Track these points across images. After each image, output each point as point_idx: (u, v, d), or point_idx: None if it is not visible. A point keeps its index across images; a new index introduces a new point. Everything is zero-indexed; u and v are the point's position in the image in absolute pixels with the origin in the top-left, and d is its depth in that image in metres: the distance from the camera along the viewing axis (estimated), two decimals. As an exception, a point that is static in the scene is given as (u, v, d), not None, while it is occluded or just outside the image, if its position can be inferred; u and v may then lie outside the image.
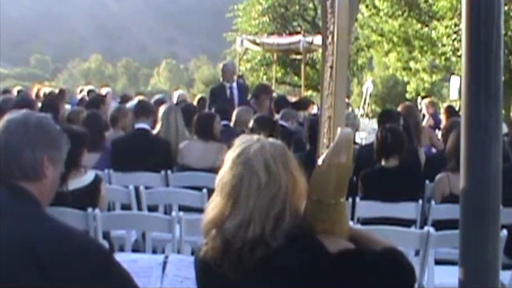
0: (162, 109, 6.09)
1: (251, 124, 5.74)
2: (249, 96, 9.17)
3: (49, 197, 1.92)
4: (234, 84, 8.96)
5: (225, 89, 8.86)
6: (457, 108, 9.21)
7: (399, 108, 6.83)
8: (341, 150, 1.84)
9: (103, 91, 11.54)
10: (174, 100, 9.59)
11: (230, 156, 1.85)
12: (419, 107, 11.91)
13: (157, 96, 9.54)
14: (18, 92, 10.99)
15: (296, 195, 1.83)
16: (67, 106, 9.08)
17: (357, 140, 7.87)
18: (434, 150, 6.63)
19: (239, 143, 1.87)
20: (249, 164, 1.79)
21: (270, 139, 1.92)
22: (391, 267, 1.84)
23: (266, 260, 1.77)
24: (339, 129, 1.90)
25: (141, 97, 10.29)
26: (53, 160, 1.87)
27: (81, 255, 1.69)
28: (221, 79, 9.20)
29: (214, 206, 1.85)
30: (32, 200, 1.81)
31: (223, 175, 1.83)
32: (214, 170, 1.89)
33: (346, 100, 8.69)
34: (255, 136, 1.91)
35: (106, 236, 3.96)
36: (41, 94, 10.65)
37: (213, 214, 1.84)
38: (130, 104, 7.86)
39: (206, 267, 1.88)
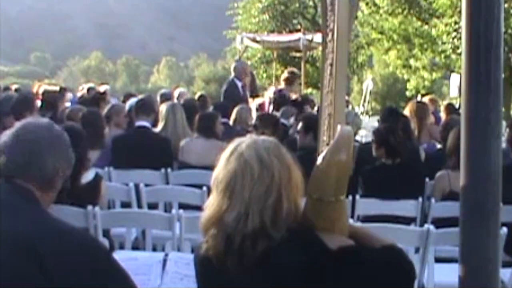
0: (165, 107, 6.08)
1: (253, 121, 5.75)
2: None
3: (49, 204, 1.93)
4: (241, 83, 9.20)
5: (238, 88, 9.04)
6: (457, 106, 9.20)
7: (408, 106, 6.79)
8: (341, 148, 1.84)
9: (102, 88, 11.52)
10: (175, 98, 9.61)
11: (223, 154, 1.87)
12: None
13: (162, 91, 9.55)
14: (16, 90, 10.96)
15: (291, 186, 1.83)
16: (67, 104, 9.07)
17: (357, 138, 7.86)
18: (439, 146, 6.56)
19: (232, 142, 1.90)
20: (242, 159, 1.82)
21: (263, 136, 1.94)
22: (391, 264, 1.84)
23: (267, 256, 1.77)
24: (339, 127, 1.90)
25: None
26: (63, 175, 1.89)
27: (81, 253, 1.69)
28: (231, 76, 9.40)
29: (211, 204, 1.86)
30: (34, 199, 1.81)
31: (218, 173, 1.85)
32: (215, 168, 1.90)
33: (346, 98, 8.81)
34: (248, 135, 1.94)
35: (106, 234, 3.96)
36: (41, 92, 10.62)
37: (211, 212, 1.85)
38: (131, 102, 7.85)
39: (207, 265, 1.88)
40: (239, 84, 9.12)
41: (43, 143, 1.82)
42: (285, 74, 9.57)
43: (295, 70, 10.33)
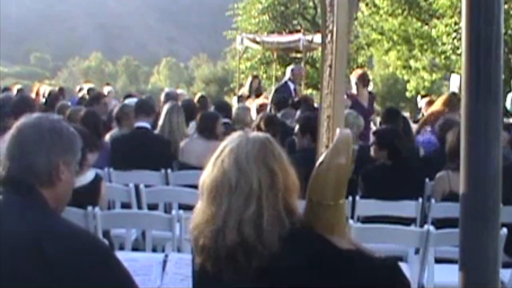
0: (164, 108, 6.10)
1: (256, 122, 5.76)
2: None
3: (65, 199, 1.94)
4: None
5: (290, 90, 9.46)
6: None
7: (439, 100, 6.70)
8: (340, 152, 1.83)
9: (105, 89, 11.56)
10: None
11: (213, 155, 1.84)
12: (419, 105, 11.92)
13: (167, 90, 9.57)
14: (18, 90, 10.98)
15: (276, 192, 1.75)
16: (68, 103, 9.07)
17: (357, 138, 7.86)
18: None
19: (223, 142, 1.86)
20: (222, 167, 1.77)
21: (253, 133, 1.89)
22: (390, 271, 1.84)
23: (266, 263, 1.73)
24: (338, 130, 1.89)
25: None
26: (68, 164, 1.88)
27: (86, 253, 1.71)
28: (285, 78, 9.84)
29: (197, 211, 1.84)
30: (41, 201, 1.81)
31: (204, 178, 1.82)
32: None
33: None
34: (238, 133, 1.88)
35: (106, 234, 3.96)
36: (41, 93, 10.65)
37: (197, 220, 1.83)
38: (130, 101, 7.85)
39: (203, 273, 1.86)
40: (292, 86, 9.53)
41: (32, 142, 1.82)
42: None
43: (365, 71, 10.36)
